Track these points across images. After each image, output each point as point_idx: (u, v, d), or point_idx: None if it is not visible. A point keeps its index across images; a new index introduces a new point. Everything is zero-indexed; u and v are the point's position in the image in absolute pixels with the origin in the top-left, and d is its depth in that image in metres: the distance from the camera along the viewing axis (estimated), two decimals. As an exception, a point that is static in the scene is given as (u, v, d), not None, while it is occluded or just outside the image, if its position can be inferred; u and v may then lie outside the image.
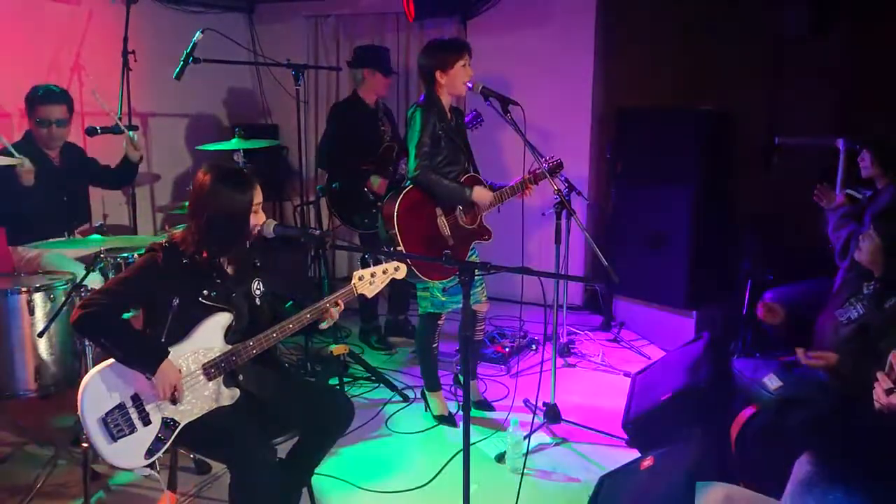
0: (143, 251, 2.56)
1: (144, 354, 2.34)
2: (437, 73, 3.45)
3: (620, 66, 5.38)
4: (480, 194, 3.51)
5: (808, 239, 4.01)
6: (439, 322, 3.68)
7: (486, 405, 3.89)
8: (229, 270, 2.57)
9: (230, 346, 2.48)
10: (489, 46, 5.06)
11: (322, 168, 4.96)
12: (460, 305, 2.69)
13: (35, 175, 3.49)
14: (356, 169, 4.53)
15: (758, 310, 3.32)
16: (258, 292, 2.63)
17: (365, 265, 2.66)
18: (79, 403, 2.33)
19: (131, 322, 2.43)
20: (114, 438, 2.33)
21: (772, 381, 2.88)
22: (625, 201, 4.98)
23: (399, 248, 3.38)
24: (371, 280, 2.60)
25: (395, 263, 2.64)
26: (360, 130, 4.58)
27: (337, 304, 2.57)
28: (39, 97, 3.61)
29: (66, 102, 3.68)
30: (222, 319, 2.47)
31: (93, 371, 2.37)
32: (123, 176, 4.04)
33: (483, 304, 3.73)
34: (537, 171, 3.52)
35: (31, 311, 3.09)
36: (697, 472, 2.30)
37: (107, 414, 2.33)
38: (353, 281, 2.59)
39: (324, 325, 2.61)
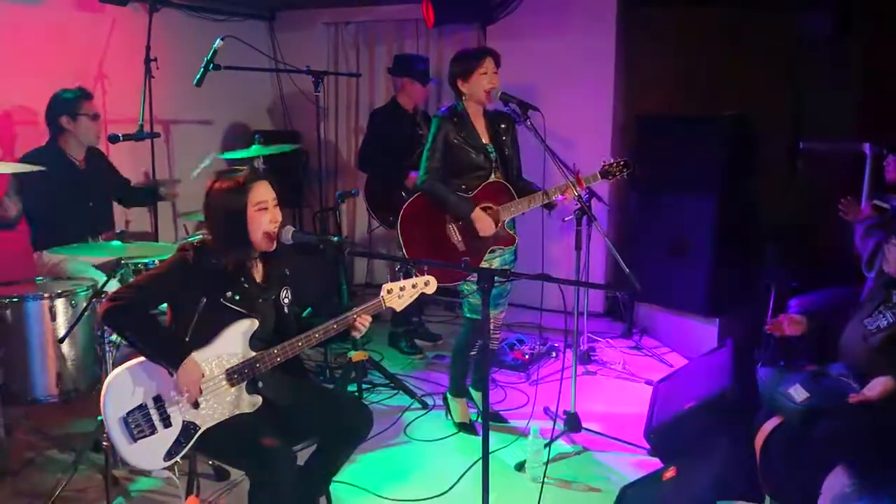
0: (164, 257, 2.59)
1: (168, 350, 2.36)
2: (459, 82, 3.46)
3: (641, 72, 5.33)
4: (482, 222, 3.38)
5: (832, 246, 3.94)
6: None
7: (496, 417, 3.82)
8: (258, 277, 2.57)
9: (254, 353, 2.48)
10: (508, 52, 5.01)
11: (362, 170, 5.06)
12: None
13: (61, 181, 3.59)
14: (394, 171, 4.58)
15: (780, 319, 3.19)
16: (286, 301, 2.64)
17: (408, 275, 2.64)
18: (101, 402, 2.35)
19: (158, 318, 2.44)
20: (134, 439, 2.35)
21: (798, 393, 2.81)
22: (646, 208, 4.93)
23: (402, 253, 3.38)
24: (399, 294, 2.57)
25: (426, 278, 2.59)
26: (398, 135, 4.65)
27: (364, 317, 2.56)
28: (82, 94, 3.73)
29: None
30: (246, 326, 2.48)
31: (117, 370, 2.39)
32: (142, 199, 4.17)
33: (498, 313, 3.68)
34: (586, 174, 3.41)
35: (53, 317, 3.12)
36: (722, 484, 2.26)
37: (128, 413, 2.34)
38: (381, 294, 2.57)
39: (355, 335, 2.60)
